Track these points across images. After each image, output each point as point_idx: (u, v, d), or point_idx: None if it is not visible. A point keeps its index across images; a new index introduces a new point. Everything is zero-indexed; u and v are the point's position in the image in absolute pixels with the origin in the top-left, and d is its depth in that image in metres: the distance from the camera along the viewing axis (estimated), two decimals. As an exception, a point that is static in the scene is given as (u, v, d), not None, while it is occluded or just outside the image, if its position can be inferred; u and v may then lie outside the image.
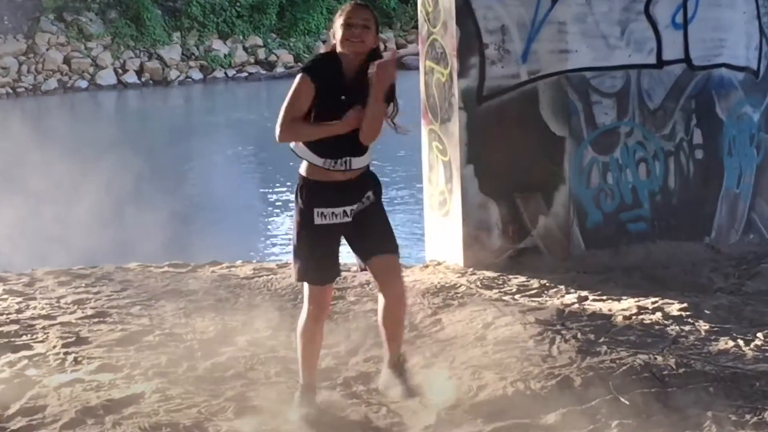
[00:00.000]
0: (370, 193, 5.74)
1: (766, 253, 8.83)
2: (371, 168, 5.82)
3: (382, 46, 5.78)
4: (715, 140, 9.08)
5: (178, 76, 34.46)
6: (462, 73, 8.51)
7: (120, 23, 34.70)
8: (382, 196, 5.88)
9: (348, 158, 5.59)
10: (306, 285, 5.78)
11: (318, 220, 5.63)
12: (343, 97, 5.54)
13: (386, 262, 5.80)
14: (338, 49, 5.56)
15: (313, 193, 5.63)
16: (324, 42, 36.78)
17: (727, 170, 9.15)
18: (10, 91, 32.28)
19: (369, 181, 5.77)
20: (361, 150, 5.61)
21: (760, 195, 9.35)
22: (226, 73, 34.75)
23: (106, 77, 33.52)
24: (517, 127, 8.55)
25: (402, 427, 5.67)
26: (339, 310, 7.56)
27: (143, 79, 34.10)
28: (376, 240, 5.78)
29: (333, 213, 5.63)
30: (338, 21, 5.55)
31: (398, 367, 5.86)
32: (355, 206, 5.66)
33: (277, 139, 5.58)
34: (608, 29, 8.64)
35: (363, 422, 5.76)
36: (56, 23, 34.34)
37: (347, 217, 5.64)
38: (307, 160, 5.61)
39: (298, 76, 5.55)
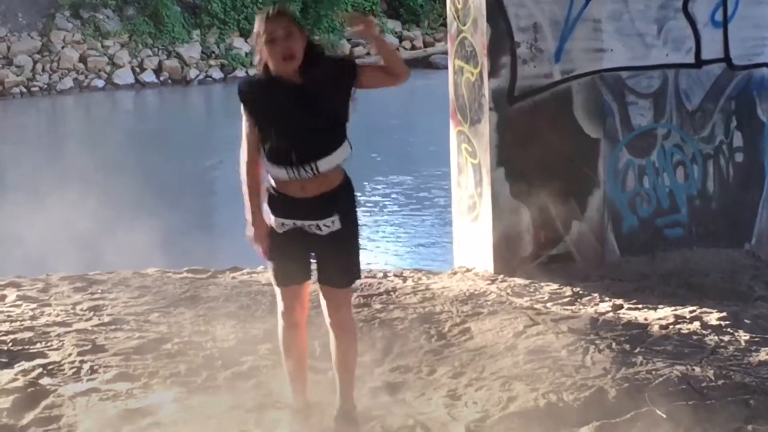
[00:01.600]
0: (334, 219, 5.57)
1: (808, 261, 8.82)
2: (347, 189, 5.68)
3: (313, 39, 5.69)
4: (756, 143, 9.07)
5: (198, 75, 34.56)
6: (493, 73, 8.52)
7: (138, 20, 34.82)
8: (353, 222, 5.71)
9: (314, 163, 5.50)
10: (277, 292, 5.77)
11: (277, 227, 5.63)
12: (282, 101, 5.51)
13: (328, 293, 5.73)
14: (271, 68, 5.47)
15: (275, 206, 5.62)
16: (348, 40, 36.88)
17: (769, 174, 9.15)
18: (24, 90, 32.40)
19: (337, 200, 5.62)
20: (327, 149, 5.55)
21: (802, 200, 9.35)
22: (247, 72, 34.77)
23: (124, 76, 33.62)
24: (550, 129, 8.55)
25: (429, 440, 5.69)
26: (365, 318, 7.56)
27: (162, 78, 34.20)
28: (326, 269, 5.70)
29: (290, 218, 5.59)
30: (260, 40, 5.45)
31: (346, 416, 5.78)
32: (309, 222, 5.56)
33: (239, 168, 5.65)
34: (645, 27, 8.64)
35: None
36: (72, 20, 34.47)
37: (310, 228, 5.58)
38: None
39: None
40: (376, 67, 5.60)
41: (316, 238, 5.61)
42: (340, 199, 5.63)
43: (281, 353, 5.84)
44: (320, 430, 5.74)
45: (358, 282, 6.07)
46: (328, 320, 5.78)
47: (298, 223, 5.57)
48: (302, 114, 5.48)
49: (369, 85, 5.57)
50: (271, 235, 5.65)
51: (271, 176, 5.57)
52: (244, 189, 5.62)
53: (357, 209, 5.77)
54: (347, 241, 5.68)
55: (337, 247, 5.63)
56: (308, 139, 5.47)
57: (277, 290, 5.78)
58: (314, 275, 5.76)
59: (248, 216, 5.59)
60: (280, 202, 5.57)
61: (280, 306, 5.78)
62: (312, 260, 5.74)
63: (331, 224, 5.58)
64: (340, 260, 5.67)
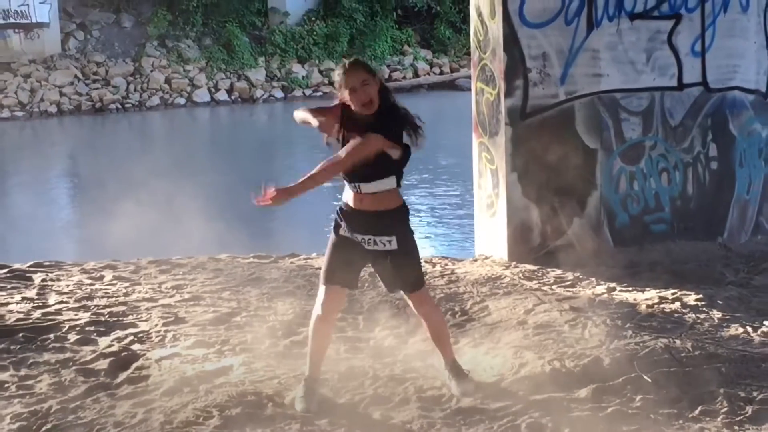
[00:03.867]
0: (392, 239, 5.52)
1: (772, 252, 8.77)
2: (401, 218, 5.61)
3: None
4: (728, 153, 9.02)
5: (263, 95, 34.56)
6: (508, 94, 8.49)
7: (213, 49, 34.87)
8: (410, 242, 5.62)
9: (358, 184, 5.49)
10: (321, 287, 5.66)
11: (341, 231, 5.59)
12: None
13: (409, 298, 5.73)
14: (353, 107, 5.42)
15: (344, 216, 5.58)
16: (388, 66, 36.80)
17: (739, 179, 9.08)
18: (120, 106, 32.51)
19: (392, 224, 5.55)
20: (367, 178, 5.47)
21: (767, 201, 9.28)
22: (303, 92, 34.81)
23: (201, 95, 33.68)
24: (556, 141, 8.52)
25: (452, 398, 5.66)
26: (400, 297, 7.54)
27: (233, 97, 34.24)
28: (393, 279, 5.67)
29: (349, 231, 5.54)
30: (344, 89, 5.42)
31: (453, 368, 5.81)
32: (363, 237, 5.51)
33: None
34: (636, 56, 8.60)
35: (412, 393, 5.74)
36: (159, 49, 34.56)
37: (363, 242, 5.53)
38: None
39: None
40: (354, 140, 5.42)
41: (374, 254, 5.57)
42: (395, 222, 5.56)
43: (309, 338, 5.72)
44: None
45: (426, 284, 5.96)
46: (414, 311, 5.82)
47: (358, 237, 5.53)
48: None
49: None
50: (337, 240, 5.62)
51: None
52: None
53: (412, 231, 5.68)
54: (406, 258, 5.59)
55: (396, 264, 5.58)
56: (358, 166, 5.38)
57: (321, 288, 5.67)
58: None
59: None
60: (346, 214, 5.55)
61: (319, 299, 5.65)
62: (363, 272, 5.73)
63: (387, 243, 5.52)
64: (401, 275, 5.63)
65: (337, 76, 5.53)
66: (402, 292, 5.78)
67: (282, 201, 5.30)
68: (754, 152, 9.14)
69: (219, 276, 8.42)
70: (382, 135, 5.34)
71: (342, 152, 5.36)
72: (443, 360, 5.84)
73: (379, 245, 5.52)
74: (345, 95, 5.45)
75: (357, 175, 5.45)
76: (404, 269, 5.62)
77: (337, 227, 5.64)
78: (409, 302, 5.79)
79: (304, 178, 5.34)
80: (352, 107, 5.43)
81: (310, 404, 5.51)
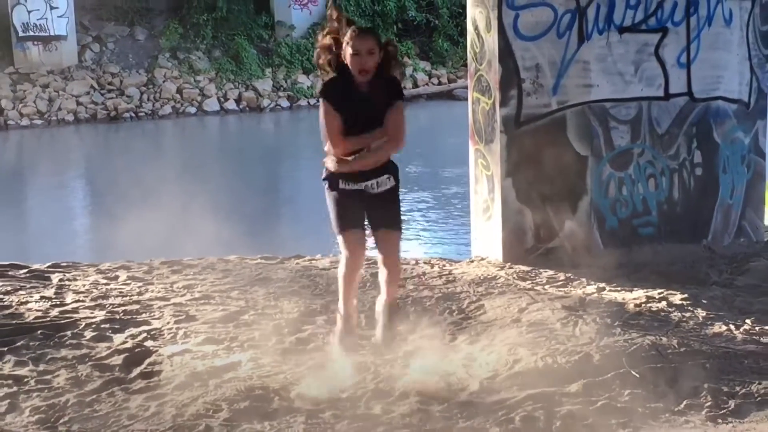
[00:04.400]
0: (390, 177, 5.96)
1: (753, 254, 8.75)
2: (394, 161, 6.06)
3: (393, 49, 5.94)
4: (712, 160, 9.02)
5: (270, 104, 34.50)
6: (503, 103, 8.50)
7: (223, 61, 34.84)
8: (399, 185, 6.06)
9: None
10: (340, 237, 5.93)
11: (342, 186, 5.90)
12: (356, 106, 5.81)
13: (385, 236, 6.00)
14: (350, 67, 5.78)
15: (340, 175, 5.90)
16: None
17: (722, 185, 9.09)
18: (133, 115, 32.48)
19: (387, 167, 5.97)
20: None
21: (749, 205, 9.29)
22: (308, 101, 34.75)
23: (211, 104, 33.62)
24: (548, 148, 8.52)
25: (449, 393, 5.67)
26: (400, 296, 7.53)
27: (241, 106, 34.18)
28: (383, 218, 5.98)
29: (354, 183, 5.90)
30: (347, 48, 5.77)
31: (388, 307, 6.07)
32: (370, 182, 5.91)
33: (334, 152, 5.89)
34: (624, 67, 8.61)
35: (411, 387, 5.75)
36: (171, 60, 34.53)
37: (368, 188, 5.92)
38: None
39: (321, 101, 5.86)
40: (393, 115, 5.86)
41: (372, 197, 5.92)
42: (389, 168, 5.98)
43: (339, 283, 6.02)
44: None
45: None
46: (381, 259, 6.04)
47: (361, 185, 5.89)
48: (364, 115, 5.80)
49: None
50: (339, 194, 5.92)
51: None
52: (354, 144, 5.84)
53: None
54: (396, 196, 6.03)
55: (390, 200, 6.00)
56: (366, 130, 5.81)
57: (340, 238, 5.93)
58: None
59: (365, 142, 5.85)
60: (348, 172, 5.90)
61: (344, 252, 5.93)
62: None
63: (387, 181, 5.96)
64: (393, 210, 6.04)
65: (347, 35, 5.81)
66: (385, 231, 6.00)
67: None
68: (736, 159, 9.15)
69: (228, 276, 8.42)
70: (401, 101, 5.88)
71: (401, 133, 5.86)
72: (385, 298, 6.08)
73: (382, 186, 5.93)
74: (346, 54, 5.78)
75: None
76: (393, 209, 6.02)
77: (334, 184, 5.94)
78: (383, 247, 6.02)
79: (371, 154, 5.87)
80: (349, 66, 5.77)
81: (351, 335, 6.00)
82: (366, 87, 5.81)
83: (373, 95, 5.82)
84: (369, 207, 5.97)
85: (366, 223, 6.03)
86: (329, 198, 5.99)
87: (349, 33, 5.80)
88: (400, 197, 6.14)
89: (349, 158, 5.82)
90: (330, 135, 5.84)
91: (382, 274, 6.08)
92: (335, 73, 5.89)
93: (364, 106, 5.81)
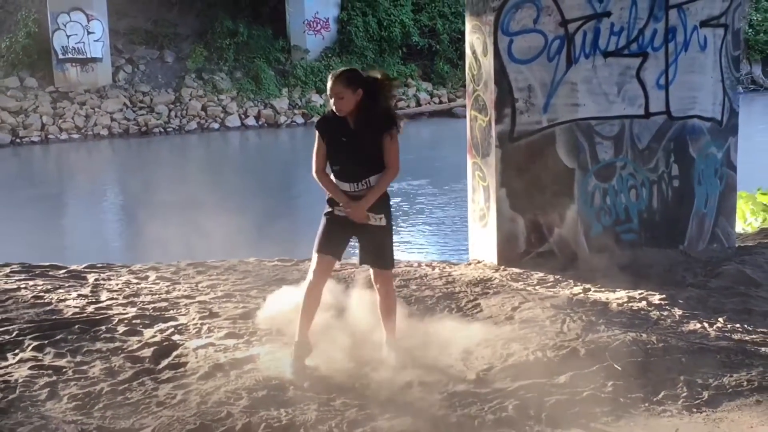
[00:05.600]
0: (382, 217, 5.89)
1: (725, 258, 8.75)
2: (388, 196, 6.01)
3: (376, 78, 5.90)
4: (688, 173, 9.01)
5: (286, 120, 34.51)
6: (498, 120, 8.50)
7: (243, 81, 34.86)
8: (390, 222, 6.01)
9: (357, 184, 5.87)
10: (314, 256, 5.92)
11: (336, 212, 5.91)
12: (343, 139, 5.82)
13: (375, 273, 6.01)
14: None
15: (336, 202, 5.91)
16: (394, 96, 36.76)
17: (697, 195, 9.08)
18: (162, 130, 32.50)
19: (381, 205, 5.90)
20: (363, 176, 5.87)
21: (721, 214, 9.27)
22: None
23: (233, 121, 33.63)
24: (539, 161, 8.53)
25: (448, 383, 5.67)
26: (404, 295, 7.56)
27: (260, 123, 34.19)
28: (373, 254, 5.97)
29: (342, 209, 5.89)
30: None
31: (391, 345, 6.06)
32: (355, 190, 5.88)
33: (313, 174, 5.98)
34: (608, 88, 8.61)
35: (414, 378, 5.74)
36: (196, 80, 34.55)
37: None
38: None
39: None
40: (387, 145, 5.84)
41: (363, 228, 5.89)
42: (384, 205, 5.93)
43: (303, 302, 5.95)
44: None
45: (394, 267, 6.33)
46: (375, 287, 6.05)
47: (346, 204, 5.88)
48: (346, 147, 5.84)
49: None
50: (331, 218, 5.93)
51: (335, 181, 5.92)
52: (325, 185, 5.91)
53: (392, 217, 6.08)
54: (386, 238, 5.98)
55: (381, 237, 5.93)
56: (354, 166, 5.84)
57: (314, 257, 5.91)
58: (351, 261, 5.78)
59: (341, 198, 5.85)
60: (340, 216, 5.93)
61: (312, 268, 5.92)
62: (349, 246, 6.09)
63: (379, 220, 5.88)
64: (383, 248, 5.97)
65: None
66: (376, 269, 5.99)
67: (362, 216, 5.83)
68: (710, 172, 9.14)
69: (248, 277, 8.43)
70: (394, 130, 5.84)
71: (394, 162, 5.84)
72: (386, 336, 6.06)
73: (372, 221, 5.86)
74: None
75: (363, 170, 5.84)
76: (384, 248, 5.96)
77: (330, 210, 5.94)
78: (376, 281, 6.01)
79: (371, 193, 5.83)
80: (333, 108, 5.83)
81: (301, 365, 5.79)
82: (353, 123, 5.82)
83: (358, 131, 5.81)
84: (360, 237, 5.98)
85: (342, 252, 6.04)
86: (322, 219, 6.00)
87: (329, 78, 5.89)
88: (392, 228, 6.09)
89: (353, 203, 5.82)
90: (315, 160, 5.94)
91: (378, 301, 6.10)
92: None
93: (350, 140, 5.82)
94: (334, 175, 5.92)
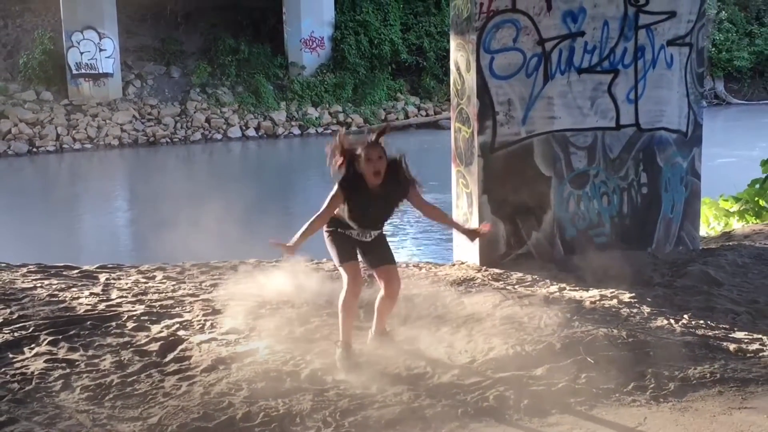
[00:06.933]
0: (379, 230, 6.00)
1: (690, 260, 8.76)
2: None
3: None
4: (656, 180, 9.03)
5: (284, 132, 34.48)
6: (480, 132, 8.51)
7: (244, 95, 34.84)
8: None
9: (370, 231, 5.94)
10: (341, 268, 5.87)
11: (339, 230, 5.90)
12: (369, 201, 5.77)
13: (387, 270, 5.98)
14: (364, 172, 5.69)
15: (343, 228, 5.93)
16: (384, 110, 36.76)
17: (664, 201, 9.10)
18: (169, 140, 32.49)
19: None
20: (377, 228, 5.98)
21: (687, 219, 9.29)
22: (316, 130, 34.76)
23: (234, 132, 33.61)
24: (518, 170, 8.54)
25: (434, 375, 5.67)
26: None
27: (260, 134, 34.16)
28: (380, 255, 5.99)
29: (350, 233, 5.91)
30: (362, 156, 5.69)
31: (379, 335, 6.17)
32: (365, 233, 5.94)
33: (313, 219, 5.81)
34: (582, 102, 8.63)
35: (402, 370, 5.75)
36: (201, 94, 34.53)
37: (360, 236, 5.94)
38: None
39: (336, 186, 5.74)
40: (420, 203, 6.01)
41: (364, 243, 5.95)
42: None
43: (340, 312, 5.88)
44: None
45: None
46: (383, 292, 6.02)
47: (354, 234, 5.94)
48: (374, 208, 5.84)
49: (412, 203, 5.98)
50: (340, 238, 5.92)
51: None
52: (308, 227, 5.75)
53: None
54: (385, 238, 6.08)
55: (381, 243, 6.03)
56: (374, 221, 5.92)
57: (342, 269, 5.87)
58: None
59: (296, 237, 5.73)
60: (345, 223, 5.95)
61: (345, 281, 5.82)
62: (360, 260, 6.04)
63: (377, 234, 5.99)
64: (386, 249, 6.03)
65: (354, 144, 5.77)
66: (385, 266, 5.97)
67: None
68: (676, 180, 9.16)
69: (248, 276, 8.40)
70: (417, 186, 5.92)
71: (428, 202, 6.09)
72: (375, 327, 6.15)
73: (373, 235, 5.94)
74: (362, 162, 5.68)
75: (375, 225, 5.95)
76: (386, 248, 6.02)
77: (334, 229, 5.94)
78: (385, 280, 5.97)
79: (453, 223, 6.49)
80: (365, 173, 5.68)
81: (350, 359, 5.79)
82: (378, 188, 5.73)
83: (390, 192, 5.80)
84: (363, 251, 5.99)
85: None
86: (328, 241, 5.96)
87: (364, 146, 5.71)
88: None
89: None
90: (325, 212, 5.78)
91: (383, 304, 6.08)
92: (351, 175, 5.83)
93: (379, 202, 5.79)
94: (348, 217, 5.85)
